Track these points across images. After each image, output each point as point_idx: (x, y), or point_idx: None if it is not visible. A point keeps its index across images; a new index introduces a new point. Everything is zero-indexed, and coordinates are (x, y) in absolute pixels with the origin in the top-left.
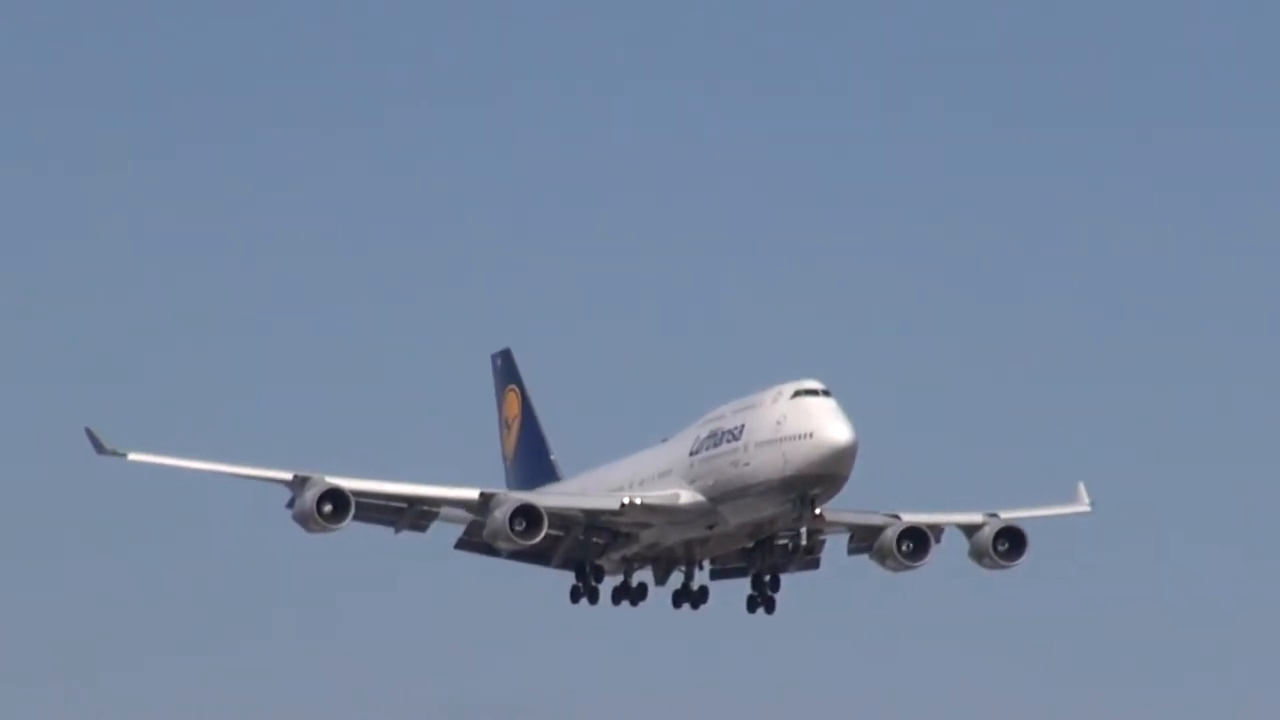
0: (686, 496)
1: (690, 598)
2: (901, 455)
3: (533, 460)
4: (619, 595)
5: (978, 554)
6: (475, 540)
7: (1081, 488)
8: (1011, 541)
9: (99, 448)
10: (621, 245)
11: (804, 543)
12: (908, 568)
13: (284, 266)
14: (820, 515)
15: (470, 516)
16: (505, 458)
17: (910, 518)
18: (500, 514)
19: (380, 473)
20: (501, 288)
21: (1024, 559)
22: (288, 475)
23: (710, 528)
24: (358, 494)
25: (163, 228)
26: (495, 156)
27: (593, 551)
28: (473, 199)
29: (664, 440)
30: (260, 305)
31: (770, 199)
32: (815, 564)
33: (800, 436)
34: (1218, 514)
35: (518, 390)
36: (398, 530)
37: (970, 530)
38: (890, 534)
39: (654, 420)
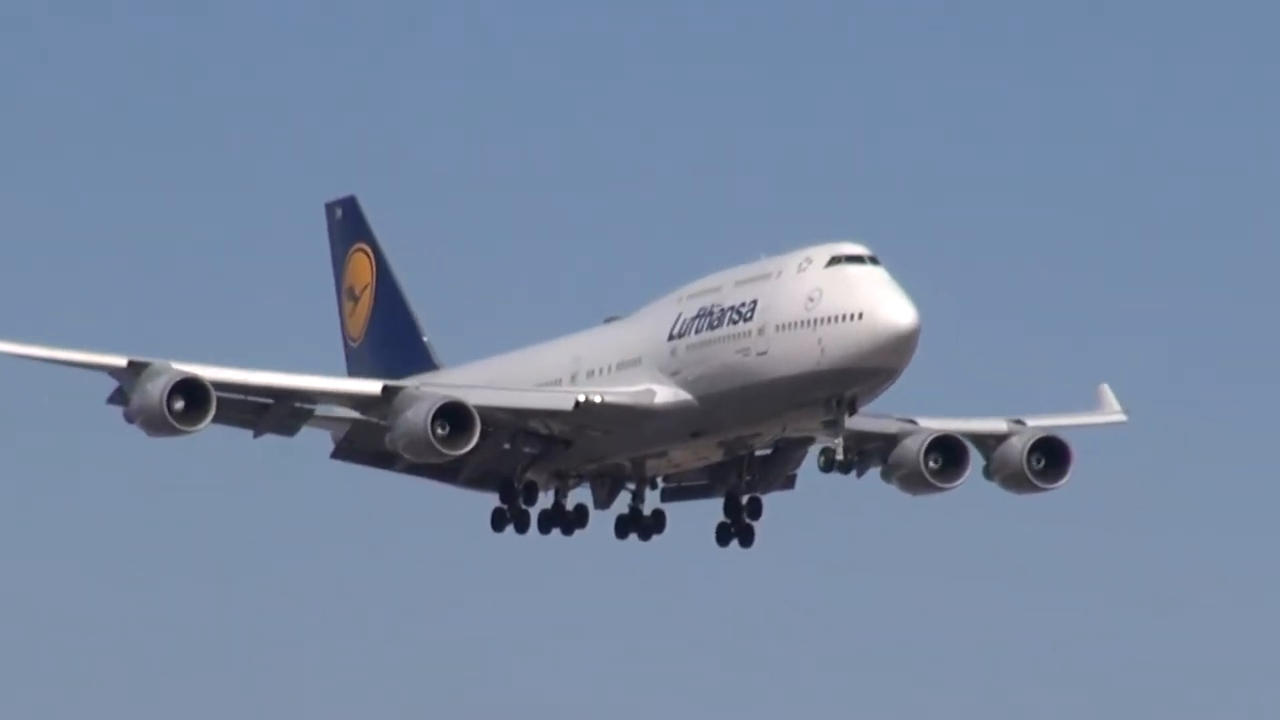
0: (666, 395)
1: (640, 525)
2: None
3: (393, 344)
4: (548, 521)
5: (1004, 472)
6: (358, 448)
7: (1106, 391)
8: (1048, 456)
9: None
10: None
11: (840, 457)
12: (934, 489)
13: None
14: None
15: (354, 417)
16: (349, 339)
17: (929, 423)
18: (415, 415)
19: (176, 356)
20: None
21: (1065, 479)
22: (119, 360)
23: (695, 436)
24: (219, 386)
25: None
26: None
27: (520, 464)
28: None
29: (610, 320)
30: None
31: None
32: (790, 483)
33: (844, 317)
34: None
35: (368, 250)
36: (258, 433)
37: (992, 442)
38: (913, 445)
39: (567, 293)
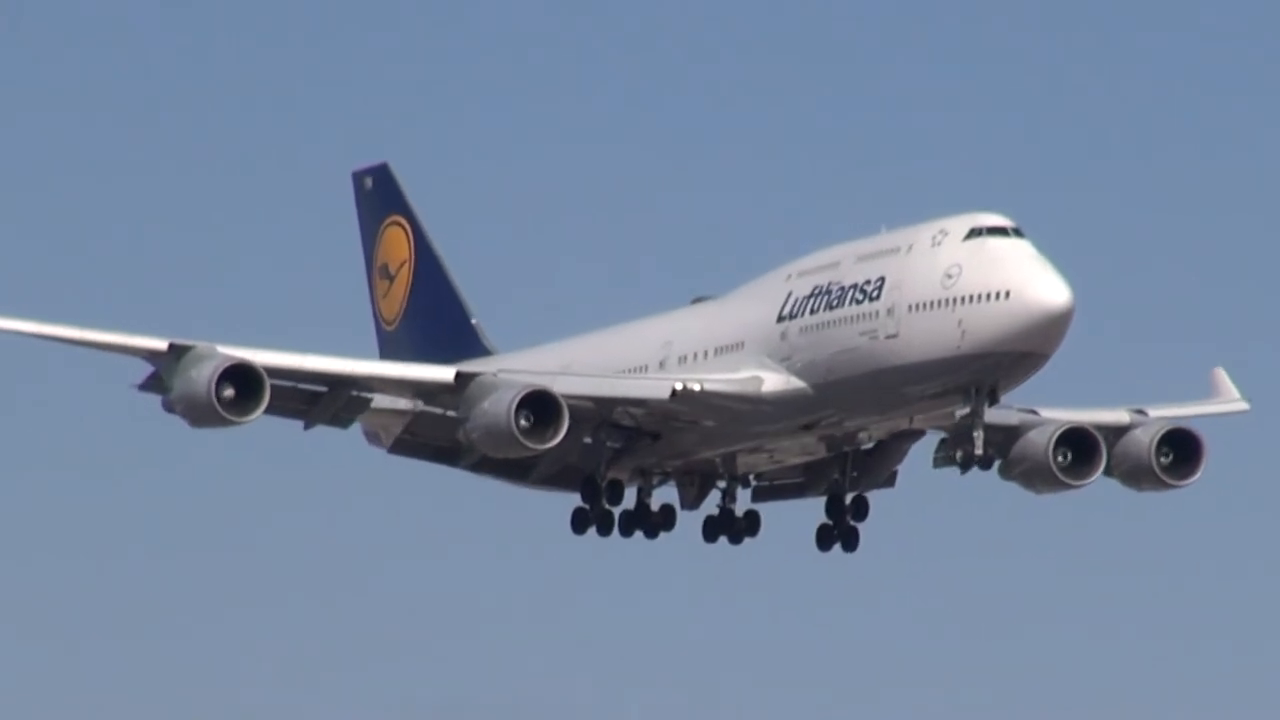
0: (775, 382)
1: (731, 527)
2: None
3: (435, 327)
4: (631, 522)
5: (1127, 468)
6: (421, 441)
7: (1222, 376)
8: (1177, 450)
9: None
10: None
11: (979, 451)
12: (1063, 487)
13: None
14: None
15: (418, 408)
16: (382, 322)
17: (1053, 414)
18: (496, 405)
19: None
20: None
21: (1196, 475)
22: (159, 343)
23: (806, 428)
24: (271, 372)
25: None
26: None
27: (602, 460)
28: None
29: (698, 300)
30: None
31: None
32: (891, 480)
33: (989, 296)
34: None
35: (405, 223)
36: (309, 424)
37: (1113, 434)
38: (1039, 438)
39: (635, 272)
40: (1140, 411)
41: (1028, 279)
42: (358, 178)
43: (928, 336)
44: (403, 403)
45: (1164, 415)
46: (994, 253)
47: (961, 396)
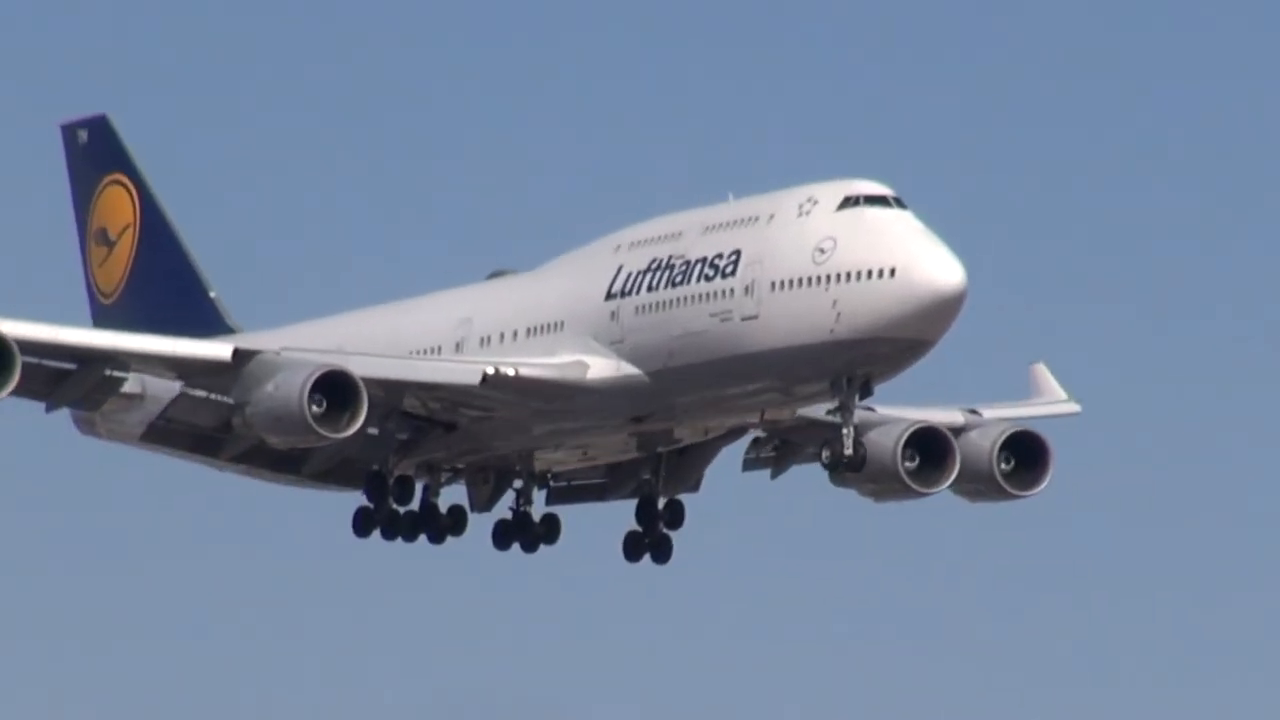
0: (603, 368)
1: (527, 533)
2: None
3: (163, 300)
4: (414, 525)
5: (964, 476)
6: (180, 429)
7: (1043, 372)
8: (1018, 455)
9: None
10: None
11: (849, 451)
12: (911, 494)
13: None
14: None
15: (176, 390)
16: (99, 294)
17: (894, 411)
18: (284, 387)
19: None
20: None
21: (1043, 485)
22: None
23: (637, 420)
24: (24, 344)
25: None
26: None
27: (388, 453)
28: None
29: (497, 275)
30: None
31: None
32: (695, 485)
33: (870, 274)
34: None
35: (127, 183)
36: (53, 407)
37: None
38: (882, 439)
39: (411, 240)
40: (974, 412)
41: (916, 255)
42: (68, 131)
43: (795, 319)
44: (153, 383)
45: (1001, 416)
46: (874, 225)
47: (830, 388)
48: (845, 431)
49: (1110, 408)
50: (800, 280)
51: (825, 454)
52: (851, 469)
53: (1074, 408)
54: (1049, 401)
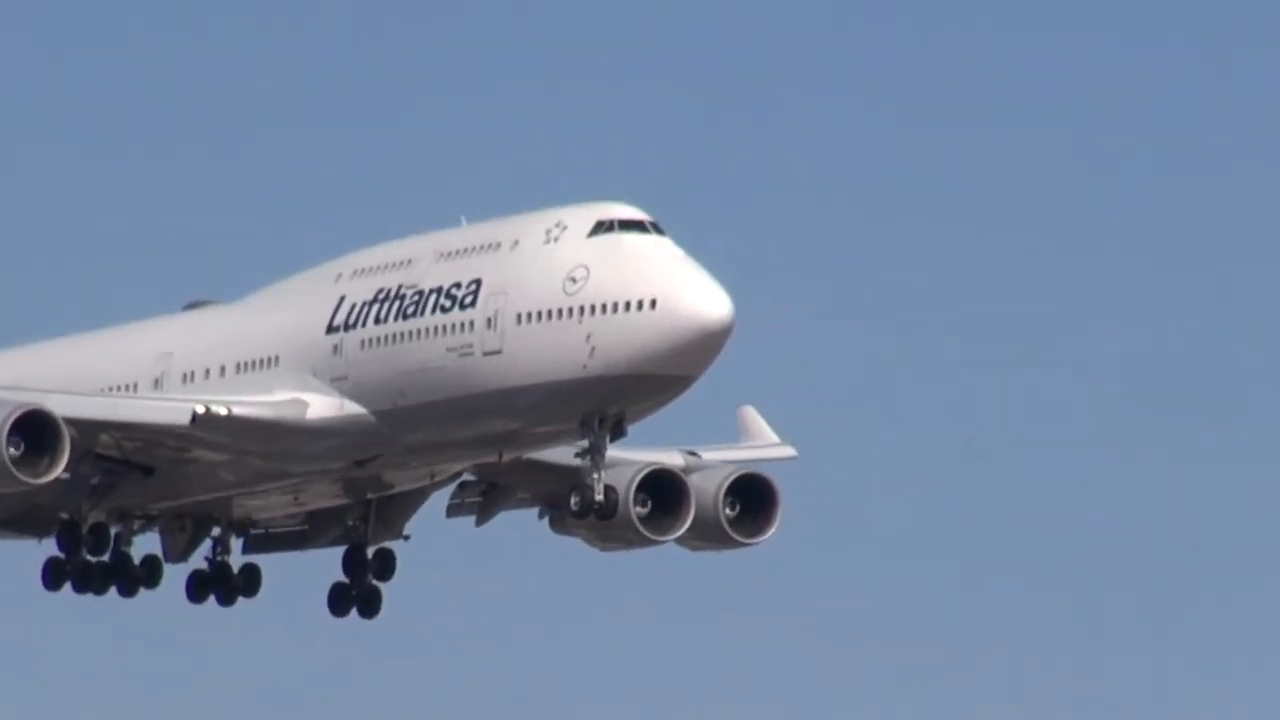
0: (325, 407)
1: (224, 583)
2: None
3: None
4: (106, 577)
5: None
6: None
7: (753, 414)
8: (744, 501)
9: None
10: None
11: (600, 497)
12: (642, 542)
13: None
14: None
15: None
16: None
17: (620, 453)
18: None
19: None
20: None
21: (770, 531)
22: None
23: (360, 464)
24: None
25: None
26: None
27: (80, 499)
28: None
29: (194, 306)
30: None
31: None
32: (398, 532)
33: (628, 306)
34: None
35: None
36: None
37: None
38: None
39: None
40: (693, 454)
41: (679, 285)
42: None
43: (544, 354)
44: None
45: (721, 458)
46: (631, 252)
47: (579, 428)
48: (595, 476)
49: (824, 450)
50: (550, 312)
51: (574, 500)
52: (602, 516)
53: (790, 451)
54: (764, 445)
